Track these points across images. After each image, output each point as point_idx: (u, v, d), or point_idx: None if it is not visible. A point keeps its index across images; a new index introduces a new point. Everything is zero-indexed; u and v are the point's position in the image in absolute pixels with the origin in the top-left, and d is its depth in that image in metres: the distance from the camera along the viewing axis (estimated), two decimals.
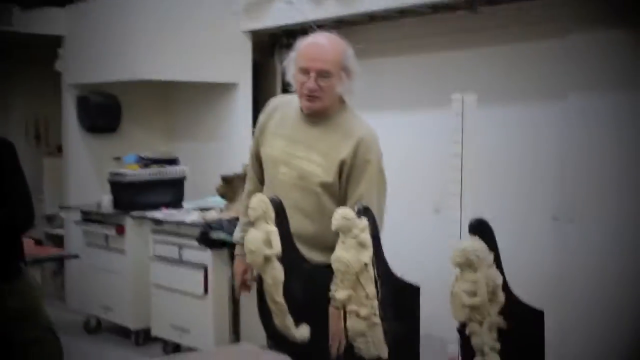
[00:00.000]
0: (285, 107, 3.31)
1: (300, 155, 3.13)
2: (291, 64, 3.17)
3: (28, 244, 3.70)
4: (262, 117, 3.38)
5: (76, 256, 4.79)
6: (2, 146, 3.45)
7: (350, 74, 3.11)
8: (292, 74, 3.15)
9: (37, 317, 3.48)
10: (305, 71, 3.08)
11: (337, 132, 3.12)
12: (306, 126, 3.18)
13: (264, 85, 7.43)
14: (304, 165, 3.11)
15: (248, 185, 3.46)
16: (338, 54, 3.09)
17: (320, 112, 3.13)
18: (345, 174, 3.06)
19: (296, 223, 2.84)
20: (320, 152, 3.10)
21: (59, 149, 8.03)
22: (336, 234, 2.17)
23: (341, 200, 3.07)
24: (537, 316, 1.90)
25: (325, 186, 3.06)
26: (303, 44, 3.13)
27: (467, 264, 1.82)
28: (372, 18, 6.07)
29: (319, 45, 3.10)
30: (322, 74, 3.06)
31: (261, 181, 3.33)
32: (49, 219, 7.96)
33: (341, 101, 3.19)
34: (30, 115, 8.50)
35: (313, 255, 2.88)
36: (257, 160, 3.37)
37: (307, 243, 2.93)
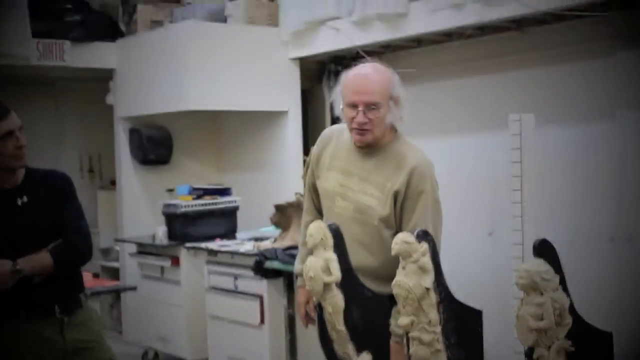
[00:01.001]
0: (338, 137, 3.29)
1: (356, 188, 3.10)
2: (338, 98, 3.14)
3: (86, 276, 3.73)
4: (315, 149, 3.36)
5: (133, 288, 4.83)
6: (60, 179, 3.48)
7: (399, 102, 3.06)
8: (340, 108, 3.12)
9: (98, 349, 3.48)
10: (353, 105, 3.04)
11: (390, 162, 3.08)
12: (359, 158, 3.15)
13: (313, 112, 7.45)
14: (360, 198, 3.08)
15: (306, 216, 3.43)
16: (384, 83, 3.05)
17: (372, 144, 3.11)
18: (399, 205, 3.03)
19: (357, 256, 2.82)
20: (375, 185, 3.07)
21: (113, 183, 8.12)
22: (397, 262, 2.15)
23: (397, 232, 3.04)
24: (605, 339, 1.86)
25: (383, 219, 3.03)
26: (348, 77, 3.10)
27: (532, 287, 1.78)
28: (419, 42, 6.06)
29: (364, 77, 3.05)
30: (370, 107, 3.01)
31: (319, 212, 3.31)
32: (104, 252, 8.03)
33: (393, 130, 3.15)
34: (83, 149, 8.61)
35: (375, 288, 2.85)
36: (314, 191, 3.36)
37: (369, 276, 2.89)
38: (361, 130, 3.04)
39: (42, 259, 3.31)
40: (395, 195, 3.02)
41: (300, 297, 3.45)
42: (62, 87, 8.35)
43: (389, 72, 3.10)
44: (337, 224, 3.01)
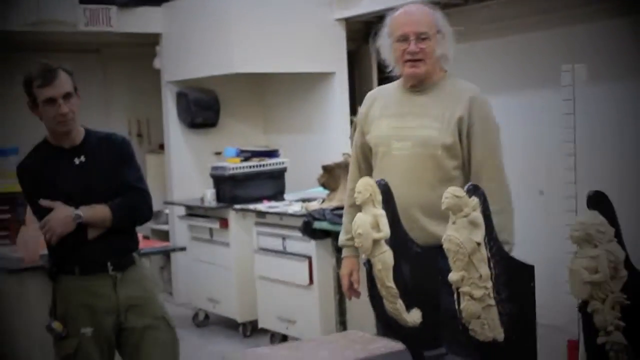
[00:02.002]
0: (383, 93, 3.30)
1: (412, 125, 3.09)
2: (385, 39, 3.17)
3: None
4: (362, 109, 3.36)
5: (183, 248, 4.87)
6: (120, 141, 3.54)
7: (446, 37, 3.10)
8: (387, 49, 3.14)
9: (151, 306, 3.53)
10: (403, 38, 3.07)
11: (446, 96, 3.08)
12: (412, 97, 3.15)
13: (360, 73, 7.41)
14: (419, 132, 3.07)
15: (350, 185, 3.37)
16: (431, 16, 3.11)
17: (424, 79, 3.10)
18: (465, 133, 3.03)
19: (418, 193, 2.85)
20: (433, 117, 3.06)
21: (161, 147, 8.17)
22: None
23: (464, 162, 3.03)
24: None
25: (446, 148, 3.02)
26: (394, 15, 3.14)
27: (586, 239, 1.74)
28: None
29: (411, 12, 3.12)
30: (421, 37, 3.05)
31: (368, 173, 3.26)
32: (154, 215, 8.08)
33: (442, 70, 3.17)
34: (132, 114, 8.67)
35: (436, 227, 2.85)
36: (362, 152, 3.32)
37: (430, 214, 2.91)
38: (414, 61, 3.06)
39: (102, 210, 3.39)
40: (459, 122, 3.04)
41: (344, 268, 3.43)
42: (109, 53, 8.40)
43: (432, 8, 3.17)
44: (396, 167, 3.03)
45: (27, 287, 3.87)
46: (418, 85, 3.13)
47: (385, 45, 3.17)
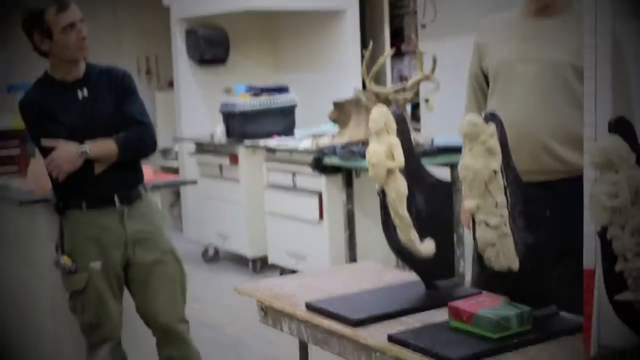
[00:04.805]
0: (499, 20, 3.13)
1: (539, 47, 2.92)
2: None
3: (146, 171, 3.74)
4: (479, 37, 3.15)
5: (194, 182, 4.84)
6: (121, 74, 3.49)
7: None
8: None
9: (159, 240, 3.52)
10: None
11: (577, 20, 2.79)
12: (537, 21, 2.97)
13: (371, 10, 7.31)
14: (546, 54, 2.90)
15: (466, 113, 3.12)
16: None
17: (547, 5, 2.92)
18: None
19: (545, 118, 2.75)
20: (563, 40, 2.89)
21: (170, 84, 8.13)
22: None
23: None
24: None
25: (577, 70, 2.80)
26: None
27: (607, 165, 1.71)
28: None
29: None
30: None
31: (484, 102, 3.11)
32: (163, 152, 8.09)
33: None
34: (141, 51, 8.62)
35: (567, 153, 2.79)
36: (477, 80, 3.15)
37: (562, 139, 2.81)
38: None
39: (107, 144, 3.36)
40: None
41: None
42: None
43: None
44: (520, 91, 2.88)
45: (37, 219, 3.86)
46: (543, 10, 2.95)
47: None
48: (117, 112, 3.41)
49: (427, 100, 6.48)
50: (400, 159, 2.31)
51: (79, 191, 3.40)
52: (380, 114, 2.32)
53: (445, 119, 5.58)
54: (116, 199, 3.41)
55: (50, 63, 3.41)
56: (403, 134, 2.35)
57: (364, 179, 5.50)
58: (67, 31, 3.25)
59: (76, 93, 3.38)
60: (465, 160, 2.08)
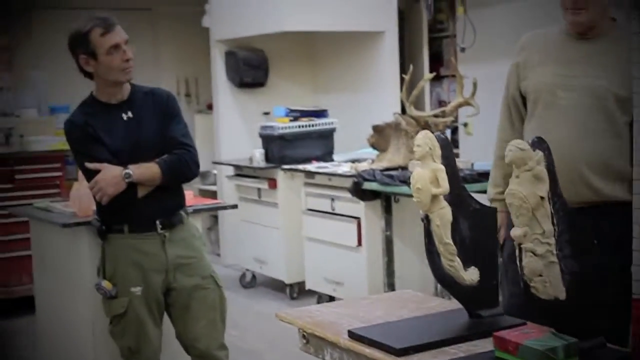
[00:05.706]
0: (544, 35, 3.08)
1: (582, 73, 2.88)
2: None
3: (187, 195, 3.74)
4: (518, 56, 3.11)
5: (234, 206, 4.84)
6: (166, 96, 3.50)
7: None
8: None
9: (199, 265, 3.51)
10: None
11: (619, 45, 2.80)
12: (579, 44, 2.93)
13: (410, 32, 7.30)
14: (590, 82, 2.86)
15: (500, 134, 3.19)
16: None
17: (590, 28, 2.89)
18: None
19: (585, 148, 2.72)
20: (606, 66, 2.85)
21: (209, 106, 8.16)
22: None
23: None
24: None
25: (620, 100, 2.79)
26: None
27: None
28: None
29: None
30: None
31: (515, 130, 3.08)
32: (202, 175, 8.09)
33: (612, 19, 2.94)
34: (180, 73, 8.67)
35: (603, 184, 2.76)
36: (514, 101, 3.11)
37: (599, 170, 2.79)
38: (576, 10, 2.84)
39: (151, 168, 3.36)
40: None
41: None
42: (159, 12, 8.39)
43: None
44: (559, 117, 2.84)
45: (80, 241, 3.87)
46: (584, 34, 2.91)
47: None
48: (161, 134, 3.41)
49: (465, 125, 6.44)
50: (445, 185, 2.28)
51: (121, 215, 3.40)
52: (426, 139, 2.29)
53: (483, 143, 5.54)
54: (158, 223, 3.41)
55: (96, 84, 3.42)
56: (448, 159, 2.32)
57: (403, 204, 5.46)
58: (111, 52, 3.27)
59: (121, 115, 3.40)
60: (512, 187, 2.04)
